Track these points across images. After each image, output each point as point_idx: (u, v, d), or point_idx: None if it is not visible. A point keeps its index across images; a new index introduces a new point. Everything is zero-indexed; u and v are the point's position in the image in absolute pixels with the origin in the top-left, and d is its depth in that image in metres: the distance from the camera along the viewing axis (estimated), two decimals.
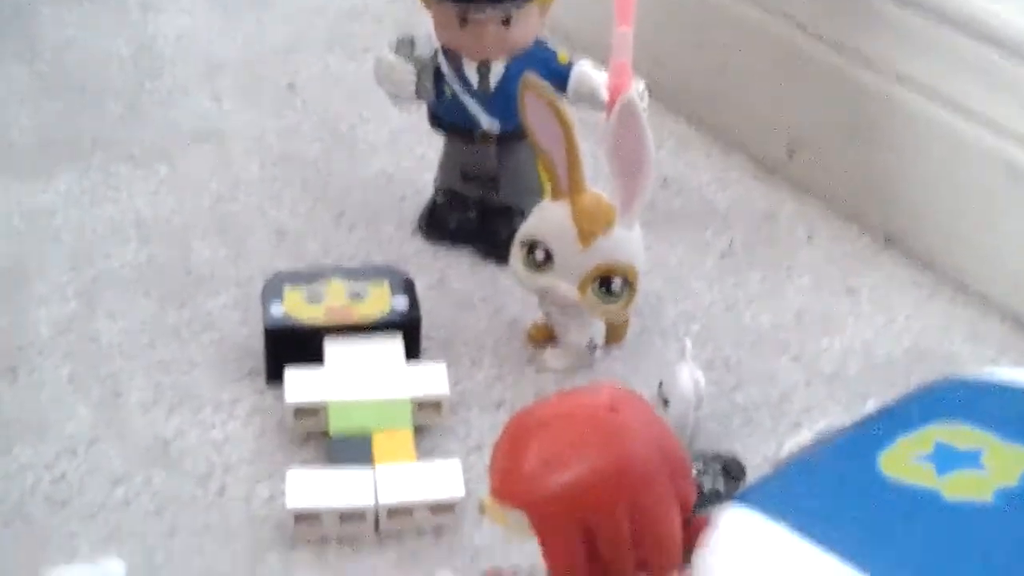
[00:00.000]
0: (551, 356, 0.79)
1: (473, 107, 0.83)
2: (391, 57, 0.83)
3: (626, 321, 0.80)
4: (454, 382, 0.76)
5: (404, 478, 0.67)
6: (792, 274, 0.87)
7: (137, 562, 0.64)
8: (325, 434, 0.71)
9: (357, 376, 0.73)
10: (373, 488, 0.67)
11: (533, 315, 0.80)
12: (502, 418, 0.73)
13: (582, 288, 0.75)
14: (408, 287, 0.79)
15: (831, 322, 0.83)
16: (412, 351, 0.76)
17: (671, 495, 0.55)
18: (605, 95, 0.80)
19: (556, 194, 0.75)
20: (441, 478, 0.68)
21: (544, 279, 0.76)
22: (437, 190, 0.89)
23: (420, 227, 0.89)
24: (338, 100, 1.04)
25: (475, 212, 0.87)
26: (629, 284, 0.75)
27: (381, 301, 0.77)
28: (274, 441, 0.72)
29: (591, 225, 0.74)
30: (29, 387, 0.75)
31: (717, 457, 0.70)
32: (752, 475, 0.69)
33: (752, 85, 0.99)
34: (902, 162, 0.89)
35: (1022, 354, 0.81)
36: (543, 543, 0.54)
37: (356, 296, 0.78)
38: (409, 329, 0.76)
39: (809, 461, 0.59)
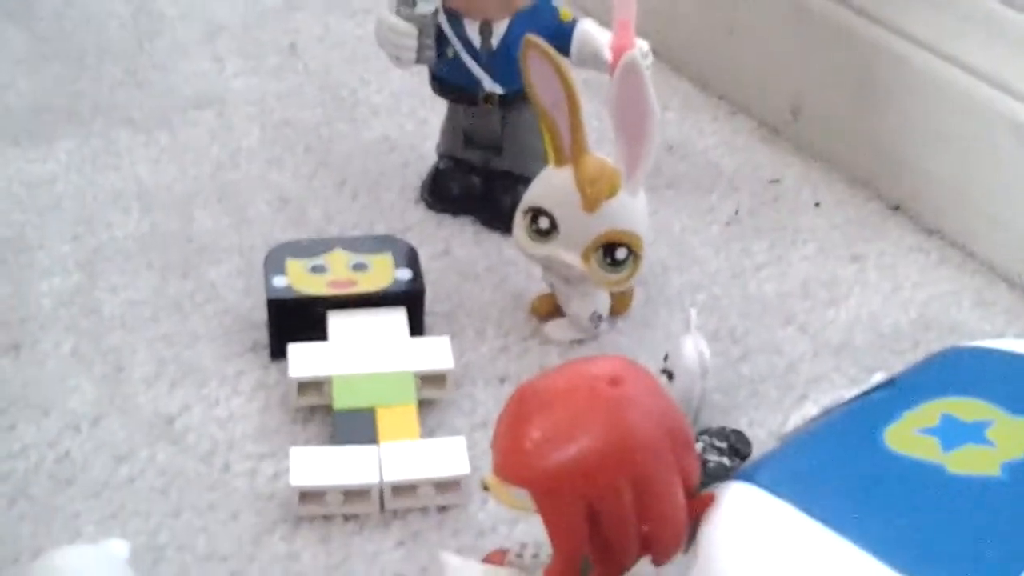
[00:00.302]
0: (555, 328, 0.78)
1: (475, 68, 0.83)
2: (392, 18, 0.82)
3: (631, 291, 0.79)
4: (458, 355, 0.75)
5: (409, 455, 0.67)
6: (798, 241, 0.87)
7: (141, 541, 0.64)
8: (329, 408, 0.71)
9: (361, 350, 0.73)
10: (378, 466, 0.67)
11: (538, 286, 0.80)
12: (507, 391, 0.72)
13: (586, 257, 0.74)
14: (411, 258, 0.78)
15: (837, 290, 0.83)
16: (416, 323, 0.76)
17: (675, 470, 0.55)
18: (608, 55, 0.79)
19: (559, 160, 0.75)
20: (446, 455, 0.67)
21: (548, 248, 0.75)
22: (440, 156, 0.89)
23: (423, 195, 0.89)
24: (339, 62, 1.04)
25: (479, 178, 0.87)
26: (634, 253, 0.75)
27: (384, 272, 0.77)
28: (278, 417, 0.72)
29: (595, 190, 0.73)
30: (32, 363, 0.75)
31: (723, 432, 0.70)
32: (758, 449, 0.69)
33: (758, 45, 0.98)
34: (909, 125, 0.89)
35: None
36: (546, 520, 0.54)
37: (359, 267, 0.77)
38: (413, 301, 0.76)
39: (814, 436, 0.59)
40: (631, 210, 0.74)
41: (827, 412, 0.60)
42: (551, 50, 0.73)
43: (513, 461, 0.54)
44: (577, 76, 0.75)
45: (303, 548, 0.65)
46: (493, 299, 0.81)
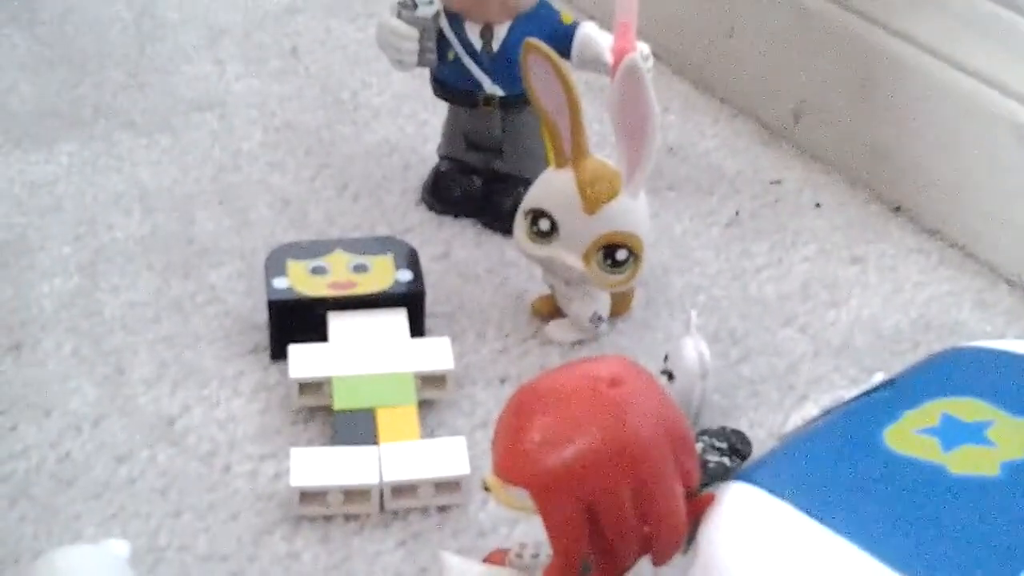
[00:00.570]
0: (556, 329, 0.78)
1: (476, 71, 0.83)
2: (393, 20, 0.83)
3: (631, 292, 0.79)
4: (459, 356, 0.75)
5: (409, 456, 0.67)
6: (798, 242, 0.87)
7: (142, 542, 0.65)
8: (330, 409, 0.71)
9: (361, 351, 0.73)
10: (378, 466, 0.67)
11: (538, 287, 0.80)
12: (507, 392, 0.72)
13: (587, 259, 0.75)
14: (412, 260, 0.78)
15: (838, 292, 0.83)
16: (416, 324, 0.76)
17: (675, 471, 0.55)
18: (609, 58, 0.79)
19: (560, 161, 0.75)
20: (446, 455, 0.67)
21: (548, 249, 0.75)
22: (441, 158, 0.89)
23: (424, 197, 0.89)
24: (340, 65, 1.04)
25: (479, 180, 0.87)
26: (634, 255, 0.75)
27: (385, 274, 0.77)
28: (279, 418, 0.72)
29: (596, 192, 0.74)
30: (33, 364, 0.75)
31: (723, 432, 0.70)
32: (758, 449, 0.69)
33: (759, 48, 0.98)
34: (910, 127, 0.89)
35: None
36: (546, 521, 0.54)
37: (360, 269, 0.77)
38: (413, 302, 0.76)
39: (814, 436, 0.59)
40: (632, 212, 0.74)
41: (827, 412, 0.60)
42: (552, 53, 0.73)
43: (513, 462, 0.54)
44: (578, 78, 0.75)
45: (303, 548, 0.65)
46: (494, 300, 0.81)
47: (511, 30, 0.82)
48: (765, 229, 0.88)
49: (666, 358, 0.72)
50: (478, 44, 0.82)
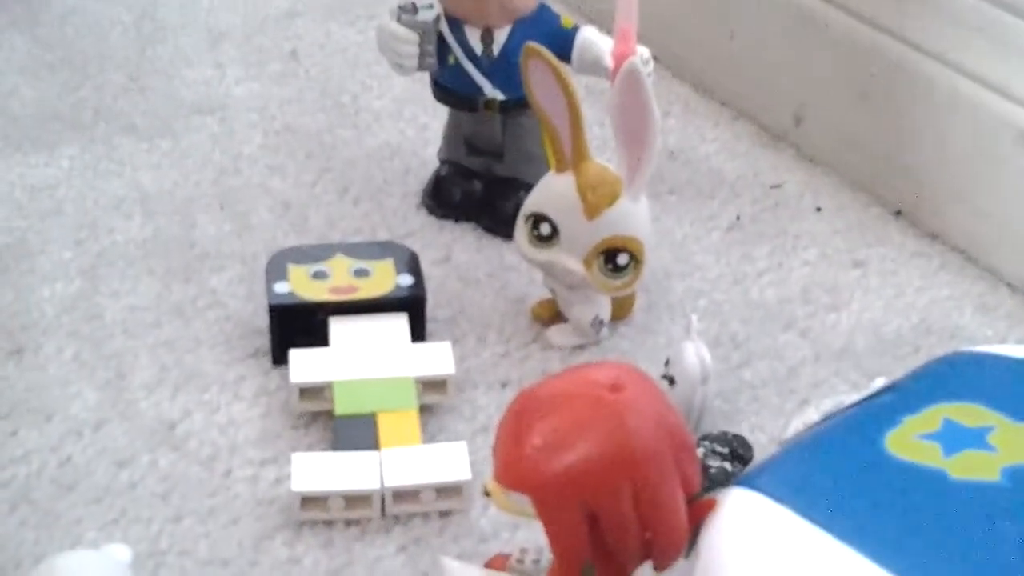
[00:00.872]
0: (556, 333, 0.78)
1: (476, 75, 0.83)
2: (393, 25, 0.83)
3: (632, 297, 0.79)
4: (460, 360, 0.75)
5: (410, 461, 0.67)
6: (799, 246, 0.87)
7: (143, 547, 0.65)
8: (331, 414, 0.71)
9: (362, 355, 0.73)
10: (379, 471, 0.67)
11: (539, 291, 0.80)
12: (508, 397, 0.72)
13: (587, 263, 0.75)
14: (413, 264, 0.78)
15: (839, 296, 0.83)
16: (417, 328, 0.76)
17: (675, 476, 0.55)
18: (609, 62, 0.79)
19: (560, 166, 0.75)
20: (447, 461, 0.67)
21: (549, 254, 0.75)
22: (442, 162, 0.89)
23: (424, 201, 0.89)
24: (340, 69, 1.04)
25: (480, 184, 0.87)
26: (635, 259, 0.75)
27: (386, 278, 0.77)
28: (280, 422, 0.72)
29: (596, 197, 0.74)
30: (34, 368, 0.75)
31: (724, 437, 0.70)
32: (759, 454, 0.69)
33: (759, 51, 0.98)
34: (911, 131, 0.89)
35: None
36: (547, 527, 0.54)
37: (361, 273, 0.77)
38: (414, 307, 0.76)
39: (814, 442, 0.59)
40: (632, 216, 0.74)
41: (828, 418, 0.60)
42: (552, 57, 0.73)
43: (514, 467, 0.54)
44: (579, 82, 0.75)
45: (305, 553, 0.65)
46: (494, 304, 0.81)
47: (511, 34, 0.82)
48: (766, 233, 0.88)
49: (667, 362, 0.72)
50: (478, 48, 0.82)
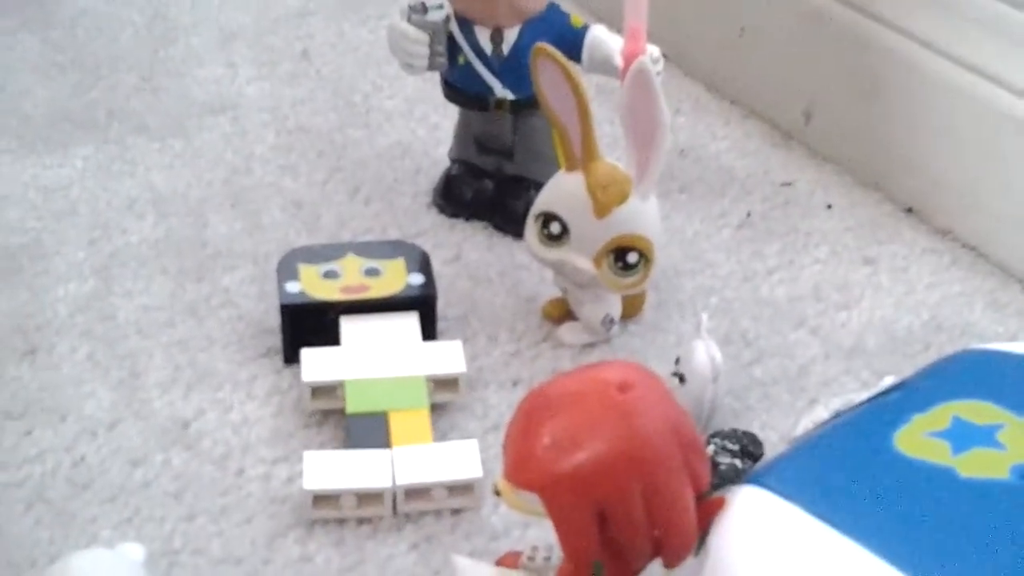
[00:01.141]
0: (567, 331, 0.78)
1: (486, 74, 0.83)
2: (403, 24, 0.83)
3: (643, 295, 0.80)
4: (471, 359, 0.76)
5: (422, 459, 0.68)
6: (810, 244, 0.87)
7: (157, 545, 0.65)
8: (342, 413, 0.71)
9: (373, 354, 0.73)
10: (391, 469, 0.67)
11: (550, 290, 0.80)
12: (519, 395, 0.73)
13: (598, 262, 0.75)
14: (424, 263, 0.79)
15: (849, 293, 0.83)
16: (428, 328, 0.76)
17: (684, 476, 0.55)
18: (619, 61, 0.79)
19: (571, 165, 0.75)
20: (459, 458, 0.68)
21: (559, 253, 0.76)
22: (452, 161, 0.89)
23: (435, 200, 0.89)
24: (352, 68, 1.04)
25: (491, 183, 0.87)
26: (645, 257, 0.75)
27: (397, 278, 0.77)
28: (292, 421, 0.73)
29: (606, 196, 0.74)
30: (48, 368, 0.76)
31: (734, 434, 0.70)
32: (770, 452, 0.69)
33: (770, 49, 0.98)
34: (921, 127, 0.89)
35: None
36: (557, 526, 0.54)
37: (372, 272, 0.78)
38: (425, 306, 0.76)
39: (824, 440, 0.59)
40: (642, 215, 0.75)
41: (837, 416, 0.60)
42: (561, 57, 0.73)
43: (523, 466, 0.54)
44: (589, 80, 0.75)
45: (317, 551, 0.65)
46: (505, 303, 0.81)
47: (521, 34, 0.82)
48: (776, 231, 0.88)
49: (677, 360, 0.72)
50: (488, 48, 0.83)
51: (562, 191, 0.75)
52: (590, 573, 0.55)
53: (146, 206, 0.89)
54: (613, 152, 0.79)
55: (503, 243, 0.86)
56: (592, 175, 0.74)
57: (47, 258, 0.84)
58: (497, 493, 0.56)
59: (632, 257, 0.75)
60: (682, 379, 0.71)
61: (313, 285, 0.76)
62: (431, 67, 0.84)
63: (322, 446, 0.71)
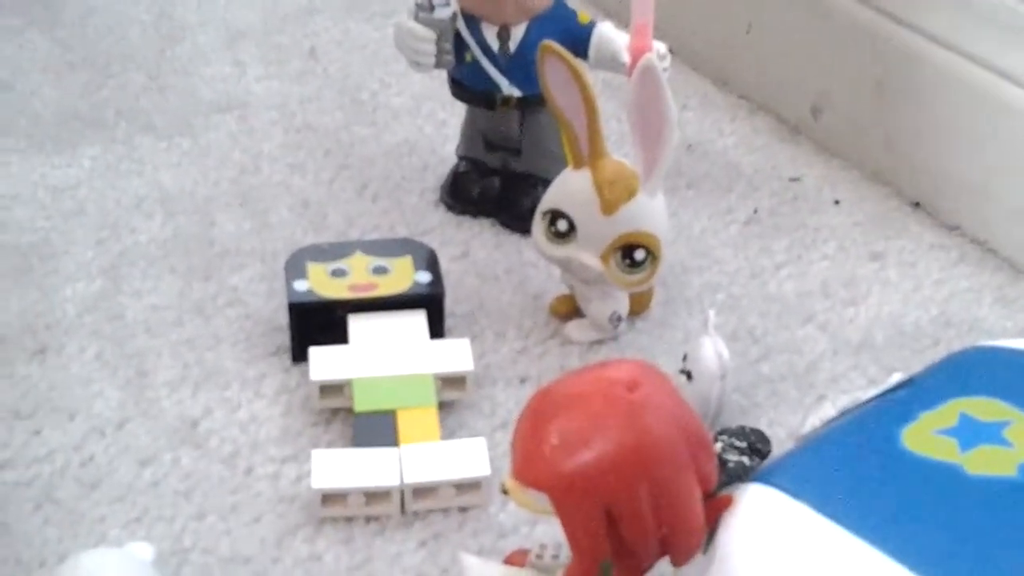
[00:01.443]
0: (574, 328, 0.78)
1: (493, 72, 0.83)
2: (410, 22, 0.83)
3: (650, 292, 0.80)
4: (478, 356, 0.76)
5: (429, 457, 0.68)
6: (817, 239, 0.87)
7: (166, 544, 0.65)
8: (350, 411, 0.72)
9: (381, 353, 0.73)
10: (399, 467, 0.67)
11: (557, 287, 0.80)
12: (527, 392, 0.73)
13: (605, 259, 0.75)
14: (431, 261, 0.79)
15: (857, 289, 0.83)
16: (436, 325, 0.76)
17: (692, 473, 0.55)
18: (626, 58, 0.79)
19: (578, 162, 0.75)
20: (466, 457, 0.68)
21: (566, 250, 0.76)
22: (459, 158, 0.89)
23: (443, 197, 0.89)
24: (359, 66, 1.04)
25: (498, 180, 0.87)
26: (652, 254, 0.75)
27: (404, 275, 0.77)
28: (300, 419, 0.73)
29: (613, 193, 0.74)
30: (57, 367, 0.76)
31: (742, 431, 0.70)
32: (777, 448, 0.69)
33: (777, 44, 0.98)
34: (929, 122, 0.88)
35: None
36: (565, 524, 0.54)
37: (379, 271, 0.78)
38: (433, 304, 0.76)
39: (831, 438, 0.59)
40: (649, 212, 0.75)
41: (844, 413, 0.60)
42: (568, 55, 0.73)
43: (531, 465, 0.55)
44: (597, 76, 0.75)
45: (325, 550, 0.66)
46: (513, 300, 0.81)
47: (528, 31, 0.82)
48: (784, 226, 0.88)
49: (685, 357, 0.72)
50: (495, 45, 0.83)
51: (569, 188, 0.75)
52: (598, 571, 0.55)
53: (154, 205, 0.89)
54: (620, 148, 0.79)
55: (510, 240, 0.86)
56: (599, 172, 0.74)
57: (56, 257, 0.84)
58: (505, 492, 0.56)
59: (639, 254, 0.75)
60: (689, 376, 0.71)
61: (321, 283, 0.77)
62: (438, 65, 0.84)
63: (330, 444, 0.71)
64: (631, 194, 0.74)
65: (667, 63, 0.80)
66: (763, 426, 0.71)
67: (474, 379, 0.73)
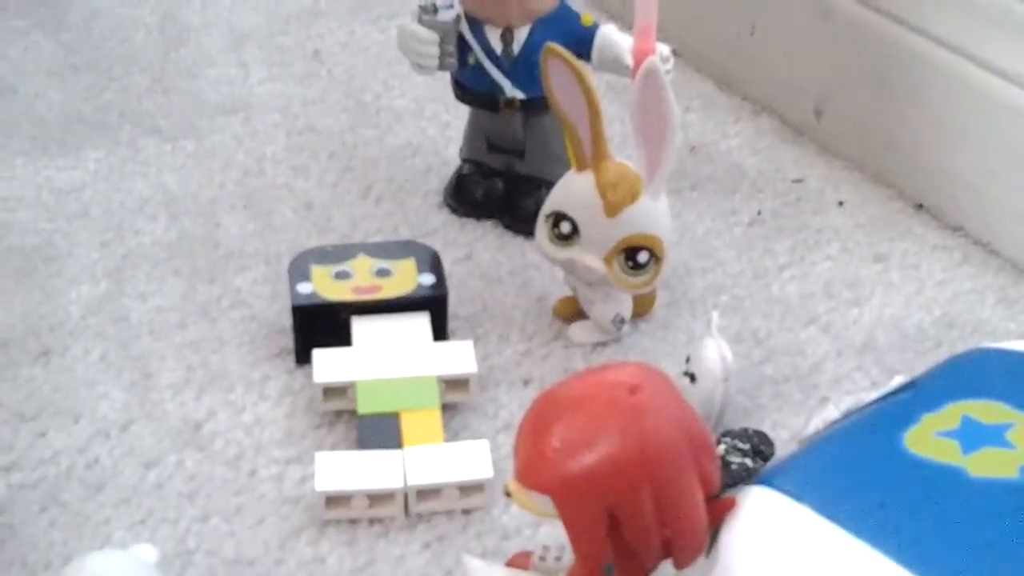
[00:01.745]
0: (578, 331, 0.79)
1: (497, 74, 0.83)
2: (413, 25, 0.83)
3: (653, 294, 0.80)
4: (482, 358, 0.76)
5: (433, 459, 0.68)
6: (821, 241, 0.87)
7: (170, 546, 0.65)
8: (354, 413, 0.72)
9: (385, 355, 0.73)
10: (402, 470, 0.67)
11: (560, 289, 0.80)
12: (530, 394, 0.73)
13: (608, 261, 0.75)
14: (435, 263, 0.79)
15: (861, 290, 0.83)
16: (439, 328, 0.76)
17: (694, 476, 0.55)
18: (629, 60, 0.79)
19: (581, 165, 0.75)
20: (470, 459, 0.68)
21: (570, 252, 0.76)
22: (463, 161, 0.89)
23: (446, 200, 0.89)
24: (362, 68, 1.04)
25: (501, 182, 0.87)
26: (655, 256, 0.75)
27: (408, 278, 0.78)
28: (304, 422, 0.73)
29: (616, 195, 0.74)
30: (61, 370, 0.76)
31: (745, 433, 0.70)
32: (780, 450, 0.69)
33: (780, 45, 0.98)
34: (932, 124, 0.88)
35: None
36: (567, 526, 0.55)
37: (383, 273, 0.78)
38: (436, 306, 0.77)
39: (833, 440, 0.59)
40: (652, 214, 0.75)
41: (847, 416, 0.60)
42: (571, 57, 0.73)
43: (534, 468, 0.55)
44: (600, 78, 0.75)
45: (329, 552, 0.66)
46: (516, 302, 0.81)
47: (531, 33, 0.82)
48: (787, 228, 0.88)
49: (688, 359, 0.72)
50: (498, 48, 0.83)
51: (572, 191, 0.75)
52: (601, 574, 0.55)
53: (158, 207, 0.90)
54: (623, 151, 0.79)
55: (514, 242, 0.86)
56: (602, 174, 0.74)
57: (60, 260, 0.85)
58: (508, 495, 0.56)
59: (642, 256, 0.75)
60: (693, 378, 0.71)
61: (325, 286, 0.77)
62: (442, 67, 0.84)
63: (334, 447, 0.71)
64: (634, 196, 0.74)
65: (670, 65, 0.80)
66: (766, 428, 0.72)
67: (477, 381, 0.73)
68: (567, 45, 0.74)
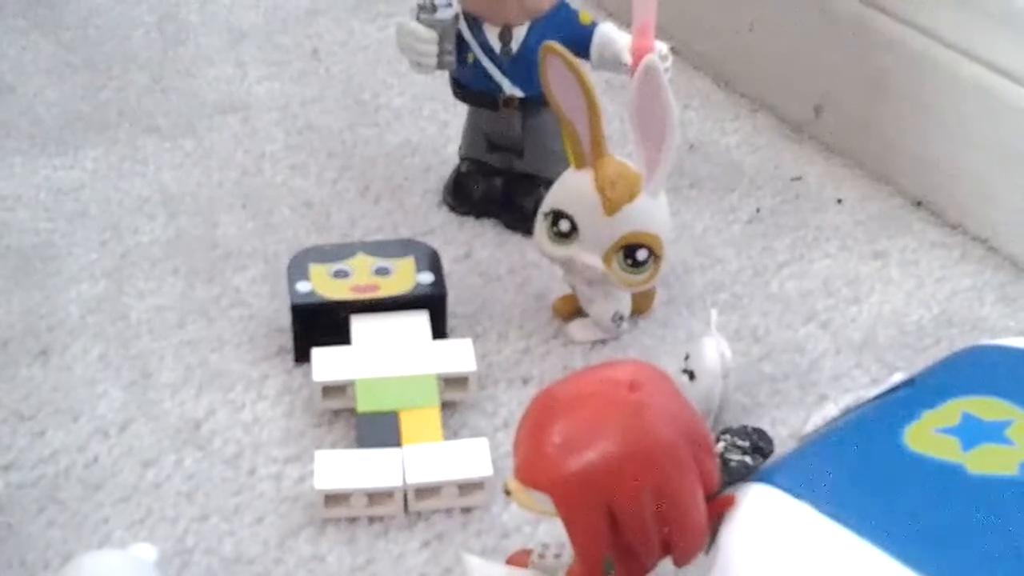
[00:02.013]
0: (577, 328, 0.79)
1: (495, 73, 0.83)
2: (412, 24, 0.83)
3: (652, 292, 0.80)
4: (481, 356, 0.76)
5: (432, 458, 0.68)
6: (820, 238, 0.87)
7: (169, 545, 0.65)
8: (353, 412, 0.72)
9: (384, 353, 0.73)
10: (401, 468, 0.67)
11: (560, 287, 0.80)
12: (529, 393, 0.73)
13: (607, 259, 0.75)
14: (434, 262, 0.79)
15: (860, 288, 0.83)
16: (438, 326, 0.76)
17: (694, 473, 0.55)
18: (628, 58, 0.79)
19: (580, 163, 0.75)
20: (469, 457, 0.68)
21: (568, 250, 0.76)
22: (462, 159, 0.89)
23: (445, 198, 0.89)
24: (361, 67, 1.04)
25: (500, 181, 0.87)
26: (654, 254, 0.75)
27: (407, 276, 0.78)
28: (303, 420, 0.73)
29: (615, 193, 0.74)
30: (60, 369, 0.76)
31: (744, 430, 0.70)
32: (780, 447, 0.69)
33: (779, 43, 0.98)
34: (931, 121, 0.88)
35: None
36: (567, 524, 0.55)
37: (382, 272, 0.78)
38: (435, 304, 0.77)
39: (833, 437, 0.59)
40: (651, 212, 0.75)
41: (847, 413, 0.60)
42: (570, 55, 0.73)
43: (533, 466, 0.55)
44: (598, 76, 0.75)
45: (328, 550, 0.66)
46: (515, 301, 0.81)
47: (530, 32, 0.82)
48: (786, 225, 0.88)
49: (687, 357, 0.72)
50: (497, 46, 0.83)
51: (571, 189, 0.75)
52: (601, 571, 0.55)
53: (157, 206, 0.90)
54: (622, 149, 0.79)
55: (513, 241, 0.86)
56: (601, 172, 0.74)
57: (59, 259, 0.85)
58: (507, 493, 0.56)
59: (641, 254, 0.75)
60: (692, 376, 0.71)
61: (323, 285, 0.77)
62: (440, 66, 0.84)
63: (333, 445, 0.71)
64: (633, 194, 0.74)
65: (669, 63, 0.80)
66: (765, 425, 0.71)
67: (477, 379, 0.73)
68: (566, 43, 0.74)
